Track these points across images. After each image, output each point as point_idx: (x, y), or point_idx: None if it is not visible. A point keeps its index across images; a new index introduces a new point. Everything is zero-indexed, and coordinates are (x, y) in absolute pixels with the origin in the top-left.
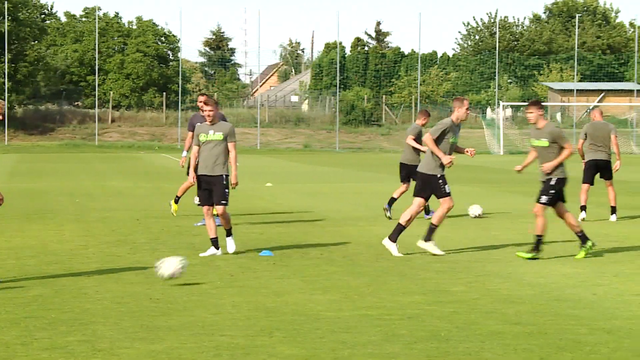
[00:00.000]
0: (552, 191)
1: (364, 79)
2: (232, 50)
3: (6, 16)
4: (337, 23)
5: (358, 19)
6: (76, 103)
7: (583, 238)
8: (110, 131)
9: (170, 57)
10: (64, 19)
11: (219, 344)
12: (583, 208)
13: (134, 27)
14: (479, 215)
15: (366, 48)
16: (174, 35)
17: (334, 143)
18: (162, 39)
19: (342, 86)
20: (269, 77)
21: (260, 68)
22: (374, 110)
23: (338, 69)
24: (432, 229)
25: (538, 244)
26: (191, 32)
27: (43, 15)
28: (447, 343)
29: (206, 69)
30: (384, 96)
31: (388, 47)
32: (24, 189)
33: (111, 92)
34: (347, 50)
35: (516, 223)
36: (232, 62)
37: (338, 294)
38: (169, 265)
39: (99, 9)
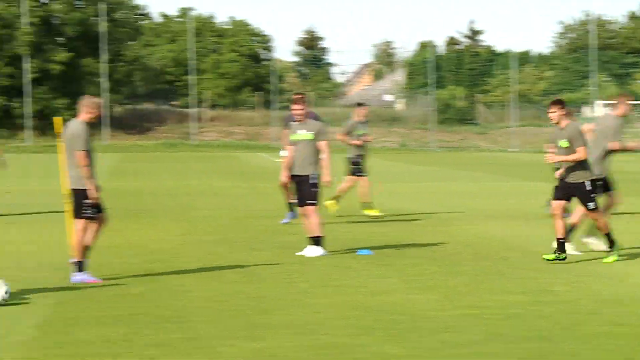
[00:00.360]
0: (593, 194)
1: (458, 77)
2: (326, 50)
3: (104, 17)
4: (430, 21)
5: (452, 17)
6: (173, 103)
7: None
8: (207, 130)
9: (264, 56)
10: (159, 19)
11: (319, 343)
12: None
13: (228, 27)
14: None
15: (460, 47)
16: (267, 35)
17: (429, 142)
18: (256, 38)
19: (436, 85)
20: (363, 77)
21: (353, 67)
22: (469, 109)
23: (432, 67)
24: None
25: (612, 243)
26: (285, 31)
27: (138, 16)
28: (551, 343)
29: (300, 68)
30: (478, 95)
31: (481, 45)
32: (124, 188)
33: (208, 92)
34: (441, 49)
35: (619, 223)
36: (326, 61)
37: (438, 293)
38: None
39: (193, 9)
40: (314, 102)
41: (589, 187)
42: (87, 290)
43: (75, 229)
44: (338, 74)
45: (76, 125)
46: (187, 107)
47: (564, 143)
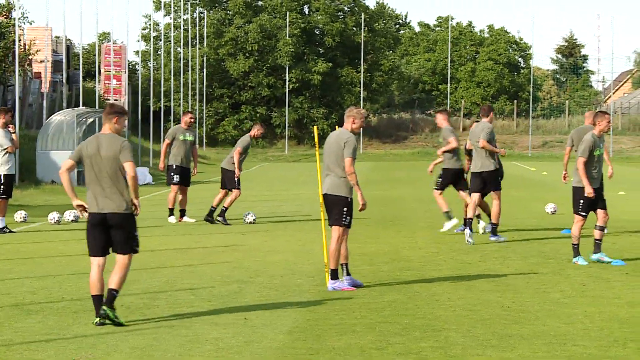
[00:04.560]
0: None
1: None
2: (585, 57)
3: (362, 27)
4: None
5: None
6: (428, 112)
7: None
8: (462, 140)
9: (522, 64)
10: (417, 29)
11: (571, 354)
12: None
13: (486, 35)
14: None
15: None
16: (525, 43)
17: None
18: (514, 46)
19: None
20: (623, 84)
21: (613, 75)
22: None
23: None
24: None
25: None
26: (543, 39)
27: (397, 26)
28: None
29: (558, 76)
30: None
31: None
32: (378, 196)
33: (462, 101)
34: None
35: None
36: (585, 69)
37: None
38: None
39: (452, 18)
40: (571, 110)
41: None
42: (339, 298)
43: (332, 237)
44: (597, 82)
45: (344, 134)
46: None
47: None
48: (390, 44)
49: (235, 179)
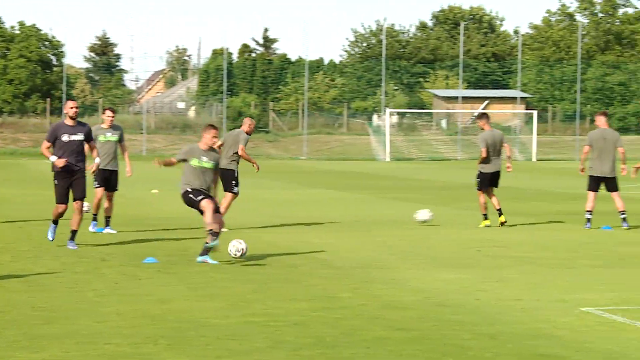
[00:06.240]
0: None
1: (251, 85)
2: (118, 56)
3: None
4: (224, 29)
5: (245, 25)
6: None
7: None
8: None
9: (54, 62)
10: None
11: (103, 352)
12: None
13: (17, 31)
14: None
15: (253, 55)
16: (58, 41)
17: None
18: (46, 44)
19: (229, 93)
20: (155, 84)
21: (146, 74)
22: (261, 117)
23: (225, 75)
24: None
25: None
26: (76, 37)
27: None
28: (333, 349)
29: (91, 74)
30: (270, 103)
31: (275, 53)
32: None
33: None
34: (235, 57)
35: (401, 229)
36: (118, 68)
37: (224, 300)
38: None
39: None
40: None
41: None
42: None
43: None
44: (130, 81)
45: None
46: None
47: None
48: None
49: None
